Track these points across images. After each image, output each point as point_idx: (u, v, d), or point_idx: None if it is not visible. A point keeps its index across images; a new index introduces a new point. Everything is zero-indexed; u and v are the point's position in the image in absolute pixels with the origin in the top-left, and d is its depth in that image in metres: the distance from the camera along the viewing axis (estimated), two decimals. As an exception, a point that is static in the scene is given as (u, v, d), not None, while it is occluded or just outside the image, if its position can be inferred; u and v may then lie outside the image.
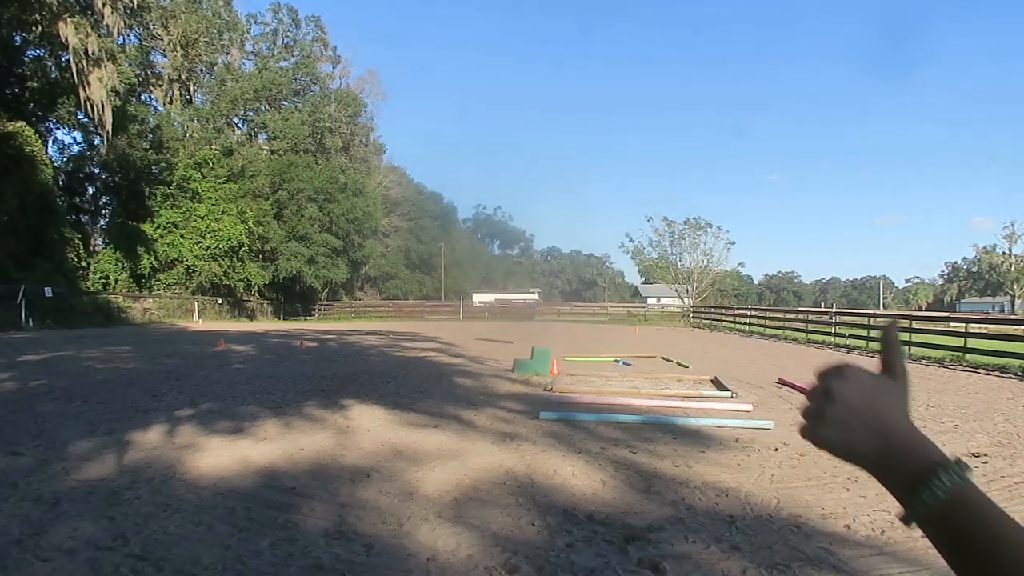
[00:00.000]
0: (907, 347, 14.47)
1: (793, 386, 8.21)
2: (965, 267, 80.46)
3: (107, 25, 25.18)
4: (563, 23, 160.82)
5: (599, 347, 15.81)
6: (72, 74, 23.81)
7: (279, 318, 37.02)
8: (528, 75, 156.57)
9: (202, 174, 32.42)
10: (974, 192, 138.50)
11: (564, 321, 38.00)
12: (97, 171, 32.07)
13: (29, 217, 22.49)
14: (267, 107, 42.05)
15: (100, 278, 27.77)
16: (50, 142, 30.02)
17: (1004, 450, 4.83)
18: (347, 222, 39.61)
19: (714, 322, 30.52)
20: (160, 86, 36.86)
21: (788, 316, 24.65)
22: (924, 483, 0.50)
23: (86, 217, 33.60)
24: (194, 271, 30.84)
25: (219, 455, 4.25)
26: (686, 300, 41.38)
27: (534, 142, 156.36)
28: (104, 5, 24.25)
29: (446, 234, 66.99)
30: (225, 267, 31.76)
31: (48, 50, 25.43)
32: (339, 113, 43.86)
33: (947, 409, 6.82)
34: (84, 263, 26.95)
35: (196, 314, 29.09)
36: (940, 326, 16.10)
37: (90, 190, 33.35)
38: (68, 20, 22.44)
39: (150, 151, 31.26)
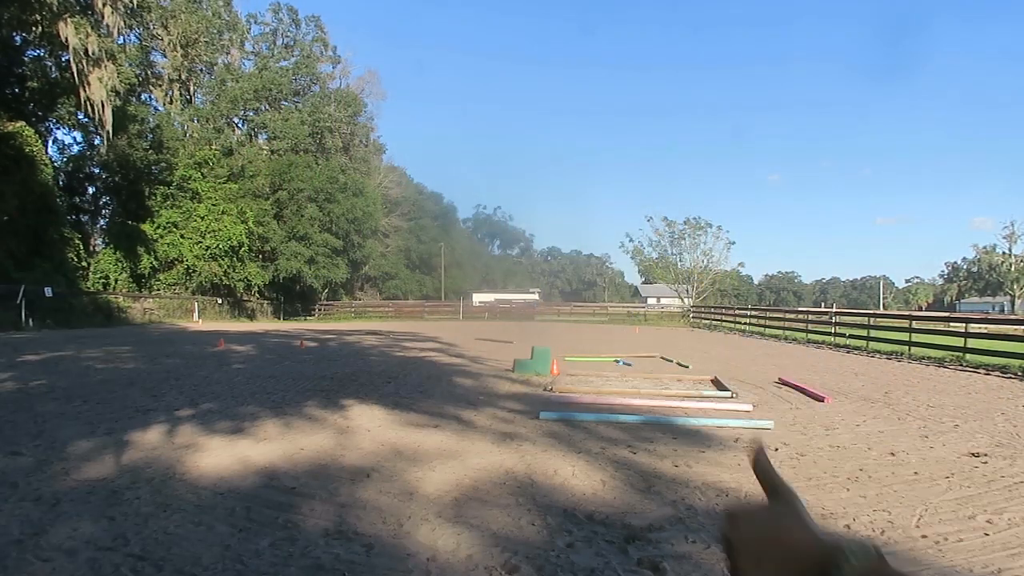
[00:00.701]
0: (907, 347, 14.50)
1: (793, 386, 8.21)
2: (965, 267, 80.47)
3: (107, 25, 25.17)
4: (564, 24, 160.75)
5: (599, 347, 15.82)
6: (72, 74, 23.81)
7: (279, 318, 37.02)
8: (528, 75, 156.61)
9: (202, 174, 32.43)
10: (974, 192, 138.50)
11: (564, 321, 38.01)
12: (97, 171, 32.09)
13: (29, 217, 22.49)
14: (267, 107, 42.05)
15: (100, 278, 27.78)
16: (50, 142, 30.06)
17: (1004, 450, 4.83)
18: (347, 222, 39.62)
19: (714, 322, 30.53)
20: (160, 86, 36.87)
21: (788, 316, 24.66)
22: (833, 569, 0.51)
23: (86, 217, 33.61)
24: (194, 271, 30.85)
25: (219, 455, 4.25)
26: (686, 300, 41.41)
27: (534, 142, 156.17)
28: (104, 5, 24.24)
29: (446, 234, 66.98)
30: (225, 267, 31.76)
31: (48, 50, 25.43)
32: (339, 113, 43.86)
33: (947, 409, 6.82)
34: (84, 263, 26.96)
35: (196, 314, 29.09)
36: (940, 326, 16.09)
37: (90, 190, 33.38)
38: (68, 20, 22.43)
39: (150, 151, 31.27)
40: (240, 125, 42.42)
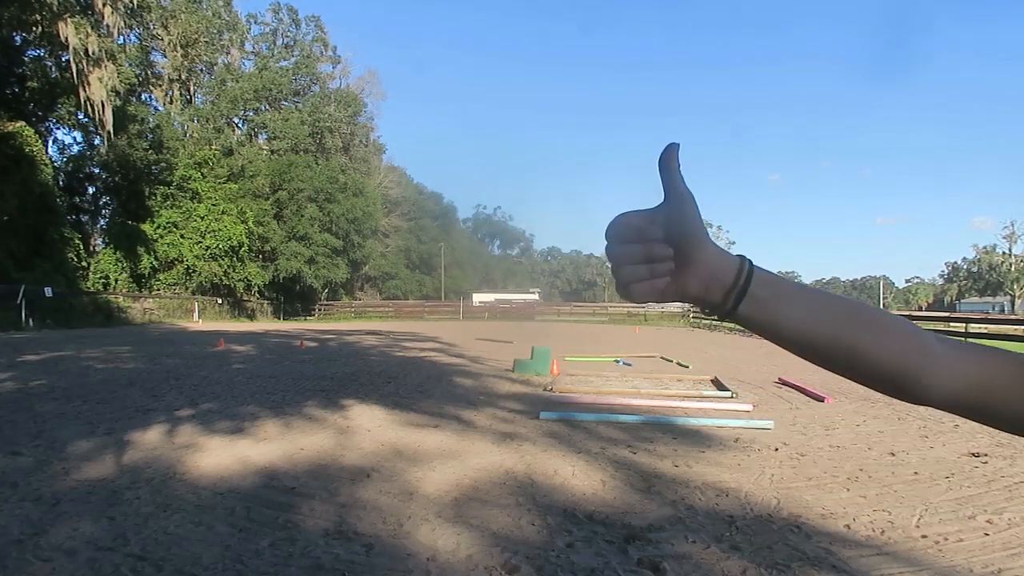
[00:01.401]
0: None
1: (793, 386, 8.21)
2: (965, 267, 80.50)
3: (107, 25, 25.18)
4: (564, 24, 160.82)
5: (599, 347, 15.81)
6: (72, 74, 23.82)
7: (279, 318, 37.02)
8: (528, 75, 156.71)
9: (202, 174, 32.43)
10: (974, 192, 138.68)
11: (564, 321, 38.00)
12: (97, 171, 32.10)
13: (29, 217, 22.50)
14: (267, 107, 42.07)
15: (100, 278, 27.78)
16: (50, 142, 30.09)
17: (1004, 450, 4.83)
18: (347, 222, 39.62)
19: (714, 322, 30.54)
20: (160, 86, 36.89)
21: (788, 316, 24.60)
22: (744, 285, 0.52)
23: (86, 217, 33.62)
24: (194, 271, 30.85)
25: (219, 455, 4.25)
26: (686, 300, 41.33)
27: (534, 142, 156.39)
28: (104, 5, 24.25)
29: (446, 234, 67.00)
30: (225, 267, 31.77)
31: (48, 50, 25.44)
32: (339, 113, 43.88)
33: (947, 409, 6.81)
34: (84, 263, 26.97)
35: (196, 314, 29.09)
36: (940, 326, 16.11)
37: (90, 190, 33.40)
38: (68, 20, 22.44)
39: (150, 151, 31.27)
40: (240, 125, 42.45)
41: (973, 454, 4.70)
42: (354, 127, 46.30)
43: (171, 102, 37.44)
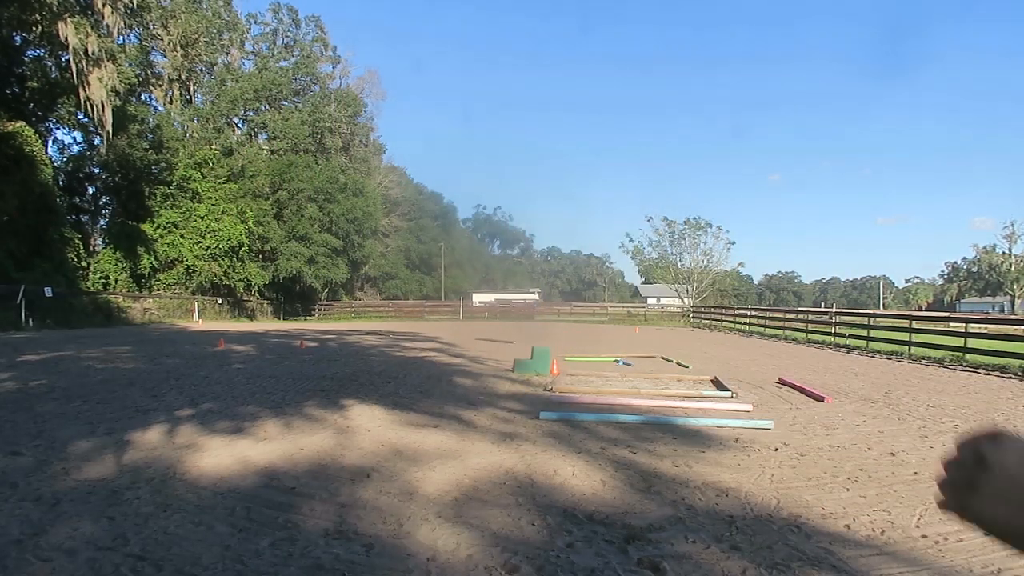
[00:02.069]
0: (907, 347, 14.49)
1: (793, 386, 8.21)
2: (965, 267, 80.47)
3: (107, 25, 25.17)
4: (563, 23, 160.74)
5: (599, 347, 15.81)
6: (72, 74, 23.80)
7: (279, 318, 37.02)
8: (529, 75, 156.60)
9: (202, 174, 32.42)
10: (974, 192, 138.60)
11: (564, 321, 38.00)
12: (97, 171, 32.08)
13: (29, 217, 22.49)
14: (267, 107, 42.05)
15: (100, 278, 27.77)
16: (50, 142, 30.06)
17: (1004, 450, 4.83)
18: (347, 222, 39.61)
19: (714, 322, 30.53)
20: (160, 86, 36.87)
21: (788, 316, 24.66)
22: None
23: (86, 217, 33.60)
24: (194, 271, 30.84)
25: (219, 455, 4.25)
26: (686, 300, 41.40)
27: (534, 142, 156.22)
28: (104, 5, 24.24)
29: (446, 234, 66.98)
30: (225, 267, 31.75)
31: (48, 50, 25.43)
32: (339, 113, 43.87)
33: (947, 409, 6.82)
34: (84, 263, 26.95)
35: (196, 314, 29.09)
36: (940, 326, 16.09)
37: (90, 190, 33.37)
38: (68, 20, 22.43)
39: (150, 151, 31.26)
40: (240, 125, 42.43)
41: (973, 454, 4.69)
42: (354, 127, 46.28)
43: (171, 102, 37.42)
